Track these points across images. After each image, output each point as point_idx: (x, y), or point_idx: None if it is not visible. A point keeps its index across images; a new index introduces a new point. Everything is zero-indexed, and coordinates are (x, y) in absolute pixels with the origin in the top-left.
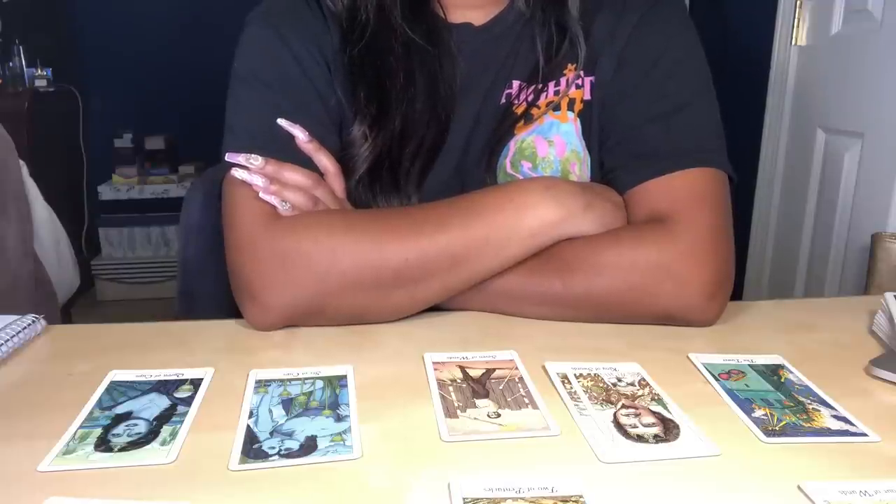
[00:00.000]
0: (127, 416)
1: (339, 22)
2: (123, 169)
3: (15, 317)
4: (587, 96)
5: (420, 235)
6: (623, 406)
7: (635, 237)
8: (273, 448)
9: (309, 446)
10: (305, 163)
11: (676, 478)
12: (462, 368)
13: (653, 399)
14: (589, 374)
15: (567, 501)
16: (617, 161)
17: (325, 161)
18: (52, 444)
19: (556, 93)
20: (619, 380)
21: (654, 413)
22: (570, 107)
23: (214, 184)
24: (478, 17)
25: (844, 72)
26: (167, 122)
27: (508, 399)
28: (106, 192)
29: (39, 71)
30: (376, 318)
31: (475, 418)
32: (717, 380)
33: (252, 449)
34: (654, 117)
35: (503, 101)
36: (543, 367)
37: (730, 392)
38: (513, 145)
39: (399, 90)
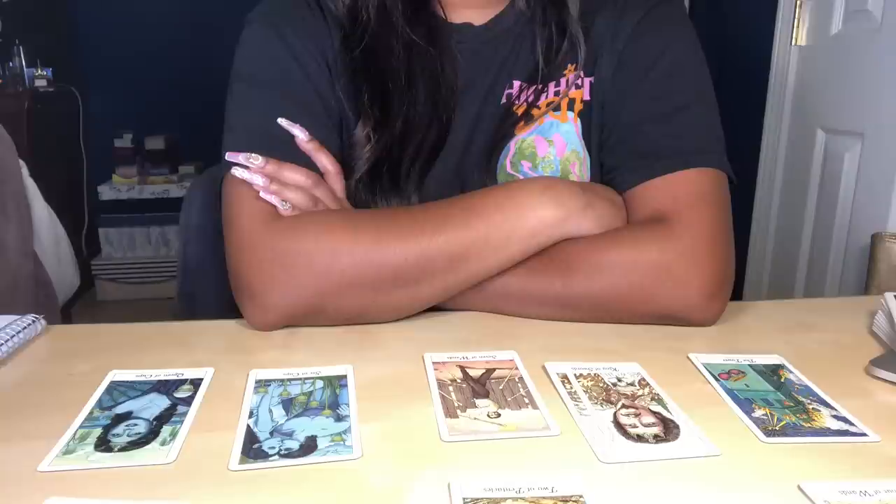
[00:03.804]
0: (127, 416)
1: (340, 24)
2: (123, 169)
3: (15, 317)
4: (587, 96)
5: (420, 235)
6: (623, 406)
7: (635, 237)
8: (273, 448)
9: (309, 446)
10: (305, 163)
11: (676, 478)
12: (462, 368)
13: (653, 399)
14: (589, 374)
15: (567, 501)
16: (617, 161)
17: (325, 161)
18: (52, 444)
19: (557, 93)
20: (619, 380)
21: (654, 413)
22: (570, 107)
23: (215, 183)
24: (478, 18)
25: (844, 72)
26: (167, 122)
27: (508, 399)
28: (106, 192)
29: (39, 71)
30: (376, 317)
31: (475, 418)
32: (717, 380)
33: (252, 449)
34: (654, 117)
35: (503, 101)
36: (543, 367)
37: (730, 392)
38: (513, 145)
39: (401, 92)
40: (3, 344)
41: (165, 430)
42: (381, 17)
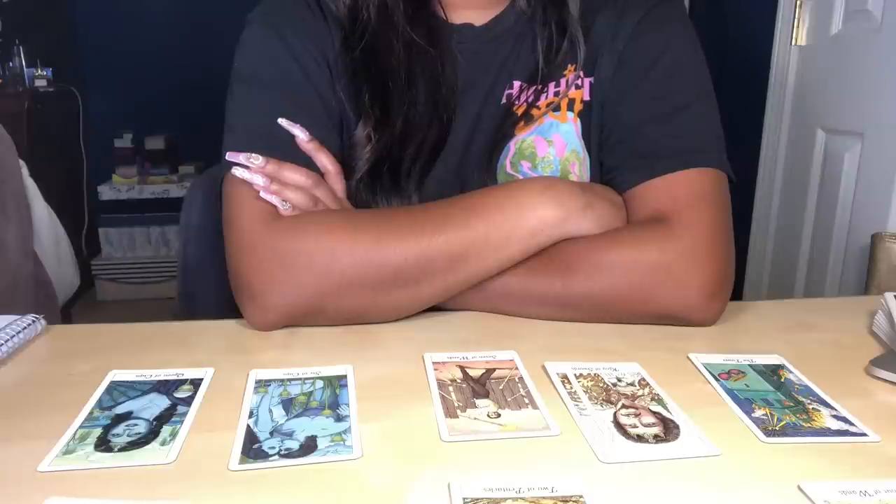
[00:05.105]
0: (127, 416)
1: (340, 24)
2: (123, 169)
3: (15, 317)
4: (587, 97)
5: (420, 235)
6: (623, 406)
7: (635, 237)
8: (273, 448)
9: (309, 446)
10: (305, 163)
11: (676, 478)
12: (462, 368)
13: (653, 399)
14: (589, 374)
15: (567, 501)
16: (617, 161)
17: (325, 161)
18: (52, 444)
19: (557, 93)
20: (619, 380)
21: (654, 413)
22: (570, 107)
23: (215, 183)
24: (478, 18)
25: (844, 72)
26: (167, 122)
27: (508, 399)
28: (106, 192)
29: (39, 71)
30: (377, 317)
31: (475, 418)
32: (717, 380)
33: (252, 449)
34: (655, 117)
35: (504, 101)
36: (543, 367)
37: (730, 392)
38: (513, 146)
39: (401, 92)
40: (3, 344)
41: (165, 430)
42: (382, 17)
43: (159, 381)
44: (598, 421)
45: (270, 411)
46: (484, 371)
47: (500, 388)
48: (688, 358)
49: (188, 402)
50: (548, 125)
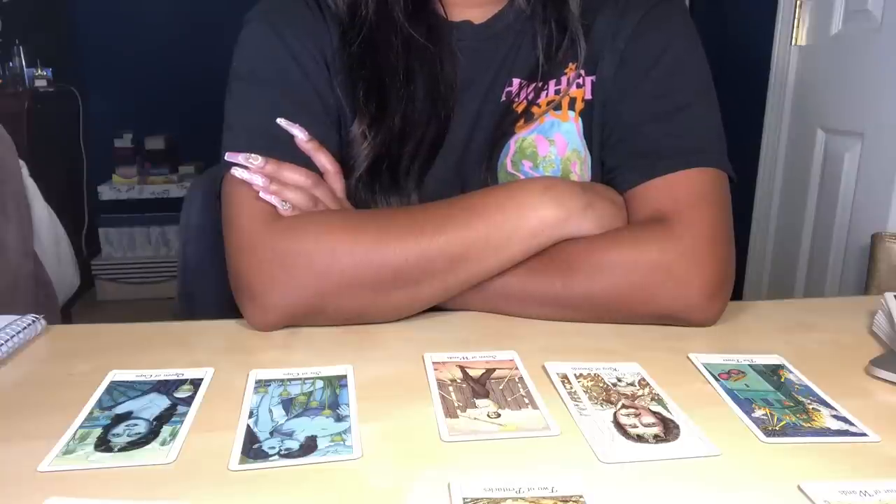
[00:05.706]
0: (127, 416)
1: (339, 22)
2: (123, 169)
3: (15, 317)
4: (588, 95)
5: (420, 235)
6: (623, 406)
7: (636, 237)
8: (273, 448)
9: (309, 446)
10: (305, 162)
11: (676, 478)
12: (462, 368)
13: (653, 399)
14: (589, 374)
15: (567, 501)
16: (618, 160)
17: (324, 161)
18: (52, 444)
19: (557, 91)
20: (619, 380)
21: (654, 413)
22: (572, 106)
23: (215, 183)
24: (478, 15)
25: (844, 72)
26: (167, 122)
27: (508, 399)
28: (106, 192)
29: (39, 71)
30: (377, 317)
31: (475, 418)
32: (717, 380)
33: (252, 449)
34: (655, 116)
35: (503, 98)
36: (543, 367)
37: (730, 392)
38: (513, 144)
39: (399, 88)
40: (3, 344)
41: (165, 430)
42: (381, 13)
43: (159, 381)
44: (598, 421)
45: (270, 411)
46: (484, 371)
47: (500, 388)
48: (688, 358)
49: (188, 402)
50: (549, 124)
